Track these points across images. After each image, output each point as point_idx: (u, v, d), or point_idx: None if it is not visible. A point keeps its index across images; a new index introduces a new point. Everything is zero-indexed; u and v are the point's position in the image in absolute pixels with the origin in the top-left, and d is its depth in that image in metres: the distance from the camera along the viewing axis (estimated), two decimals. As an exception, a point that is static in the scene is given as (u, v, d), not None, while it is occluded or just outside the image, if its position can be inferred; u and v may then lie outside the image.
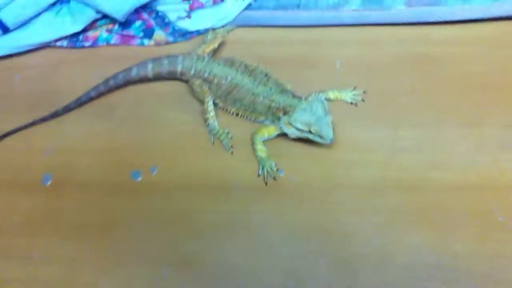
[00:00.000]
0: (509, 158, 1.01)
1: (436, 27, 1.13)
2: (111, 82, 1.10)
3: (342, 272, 0.95)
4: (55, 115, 1.11)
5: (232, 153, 1.06)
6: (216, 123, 1.07)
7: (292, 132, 1.00)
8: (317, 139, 0.98)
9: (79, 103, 1.11)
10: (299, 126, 0.98)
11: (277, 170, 1.04)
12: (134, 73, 1.10)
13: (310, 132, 0.98)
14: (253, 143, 1.04)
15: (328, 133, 0.97)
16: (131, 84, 1.13)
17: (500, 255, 0.94)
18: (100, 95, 1.12)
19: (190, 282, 0.96)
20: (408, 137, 1.04)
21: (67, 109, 1.11)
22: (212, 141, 1.07)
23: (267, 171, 1.03)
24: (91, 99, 1.12)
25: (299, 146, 1.05)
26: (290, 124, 0.99)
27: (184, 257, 0.98)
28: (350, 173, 1.02)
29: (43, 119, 1.11)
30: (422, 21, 1.12)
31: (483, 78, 1.09)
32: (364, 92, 1.09)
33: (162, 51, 1.17)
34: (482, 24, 1.13)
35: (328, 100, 1.06)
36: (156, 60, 1.10)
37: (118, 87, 1.12)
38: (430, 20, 1.11)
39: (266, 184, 1.03)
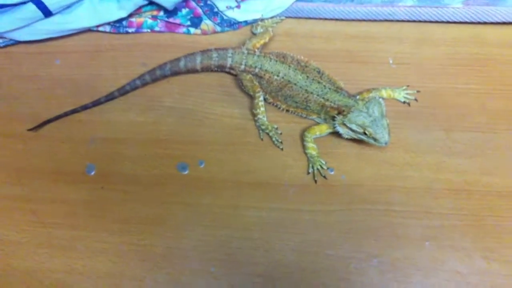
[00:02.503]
0: None
1: (492, 27, 1.11)
2: (158, 73, 1.08)
3: (393, 274, 0.94)
4: (97, 103, 1.09)
5: (282, 149, 1.04)
6: (265, 119, 1.05)
7: (346, 132, 0.99)
8: (371, 141, 0.97)
9: (123, 92, 1.09)
10: (354, 127, 0.96)
11: (327, 168, 1.02)
12: (182, 64, 1.07)
13: (364, 133, 0.96)
14: (304, 140, 1.03)
15: (383, 136, 0.95)
16: (177, 75, 1.11)
17: (551, 262, 0.94)
18: (145, 85, 1.10)
19: (238, 279, 0.96)
20: (461, 140, 1.03)
21: (110, 98, 1.09)
22: (261, 137, 1.06)
23: (317, 169, 1.02)
24: (135, 88, 1.09)
25: (350, 145, 1.04)
26: (344, 124, 0.97)
27: (232, 253, 0.98)
28: (402, 175, 1.01)
29: (85, 107, 1.09)
30: (478, 21, 1.09)
31: (538, 82, 1.08)
32: (418, 92, 1.07)
33: (209, 41, 1.15)
34: (538, 25, 1.12)
35: (381, 97, 1.04)
36: (204, 52, 1.07)
37: (165, 77, 1.10)
38: (487, 20, 1.08)
39: (316, 182, 1.01)
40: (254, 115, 1.06)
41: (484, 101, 1.06)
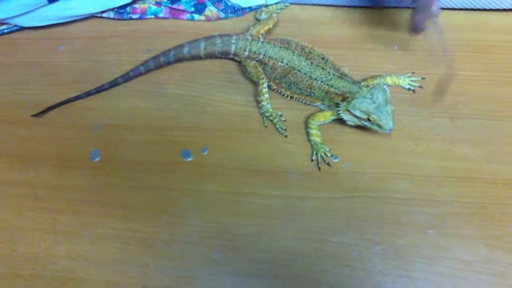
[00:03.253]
0: None
1: (497, 14, 1.11)
2: (162, 59, 1.08)
3: (396, 262, 0.94)
4: (101, 89, 1.09)
5: (286, 136, 1.04)
6: (269, 106, 1.05)
7: (350, 119, 0.98)
8: (375, 128, 0.97)
9: (127, 78, 1.09)
10: (358, 113, 0.96)
11: (331, 156, 1.02)
12: (186, 51, 1.07)
13: (368, 120, 0.96)
14: (308, 127, 1.03)
15: (387, 122, 0.95)
16: (181, 61, 1.10)
17: (555, 251, 0.93)
18: (149, 71, 1.10)
19: (241, 265, 0.96)
20: (466, 127, 1.03)
21: (114, 84, 1.09)
22: (265, 124, 1.05)
23: (321, 156, 1.01)
24: (140, 75, 1.10)
25: (354, 132, 1.03)
26: (348, 111, 0.97)
27: (236, 240, 0.98)
28: (406, 162, 1.01)
29: (89, 93, 1.09)
30: (483, 8, 1.08)
31: (544, 69, 1.07)
32: (423, 79, 1.07)
33: (213, 27, 1.14)
34: (545, 12, 1.11)
35: (385, 84, 1.04)
36: (208, 39, 1.07)
37: (168, 64, 1.10)
38: (493, 7, 1.08)
39: (320, 169, 1.01)
40: (258, 102, 1.06)
41: (489, 88, 1.06)
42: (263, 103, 1.04)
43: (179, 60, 1.09)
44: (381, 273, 0.94)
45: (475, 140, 1.02)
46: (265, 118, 1.06)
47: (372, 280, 0.93)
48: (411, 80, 1.07)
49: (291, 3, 1.15)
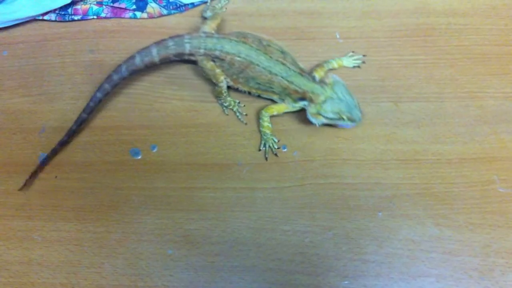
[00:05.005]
0: (508, 129, 1.03)
1: (435, -3, 1.13)
2: (116, 77, 1.02)
3: (348, 246, 0.96)
4: (71, 133, 1.04)
5: (246, 123, 1.06)
6: (228, 96, 1.06)
7: (320, 121, 0.99)
8: (347, 122, 0.98)
9: (90, 110, 1.03)
10: (331, 115, 0.97)
11: (279, 147, 1.03)
12: (138, 61, 1.01)
13: (341, 118, 0.97)
14: (260, 119, 1.03)
15: (357, 115, 0.97)
16: (136, 74, 1.07)
17: (500, 225, 0.96)
18: (106, 95, 1.04)
19: (196, 259, 0.96)
20: (410, 110, 1.05)
21: (80, 122, 1.03)
22: (226, 113, 1.06)
23: (269, 147, 1.02)
24: (99, 101, 1.03)
25: (302, 121, 1.04)
26: (319, 114, 0.98)
27: (189, 235, 0.98)
28: (353, 148, 1.03)
29: (62, 143, 1.04)
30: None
31: (483, 49, 1.10)
32: (364, 56, 1.10)
33: (156, 24, 1.14)
34: (480, -6, 1.14)
35: (333, 69, 1.07)
36: (159, 43, 1.01)
37: (124, 79, 1.03)
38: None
39: (267, 159, 1.02)
40: (217, 95, 1.06)
41: (431, 71, 1.08)
42: (223, 95, 1.05)
43: (133, 72, 1.03)
44: (333, 257, 0.95)
45: (419, 123, 1.04)
46: (224, 108, 1.06)
47: (325, 265, 0.95)
48: (354, 59, 1.09)
49: (233, -2, 1.15)
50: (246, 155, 1.03)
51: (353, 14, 1.13)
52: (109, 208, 1.01)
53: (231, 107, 1.06)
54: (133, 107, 1.08)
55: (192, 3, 1.14)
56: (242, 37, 1.00)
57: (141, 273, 0.96)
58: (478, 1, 1.13)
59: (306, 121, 1.02)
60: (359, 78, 1.08)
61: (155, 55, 1.01)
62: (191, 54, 1.02)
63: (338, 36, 1.11)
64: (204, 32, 1.02)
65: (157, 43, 1.01)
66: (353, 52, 1.10)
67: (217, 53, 1.00)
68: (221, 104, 1.06)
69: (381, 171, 1.00)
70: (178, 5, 1.13)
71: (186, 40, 1.00)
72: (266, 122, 1.03)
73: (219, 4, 1.13)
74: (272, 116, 1.03)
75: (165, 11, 1.13)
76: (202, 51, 1.00)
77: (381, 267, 0.94)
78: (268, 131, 1.02)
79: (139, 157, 1.04)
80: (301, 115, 1.03)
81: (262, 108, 1.04)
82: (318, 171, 1.01)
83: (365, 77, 1.08)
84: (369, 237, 0.96)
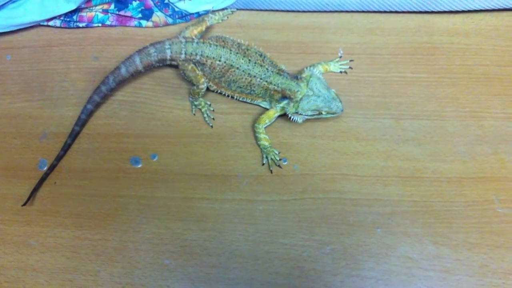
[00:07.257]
0: (508, 150, 1.03)
1: (439, 16, 1.14)
2: (104, 89, 1.04)
3: (345, 261, 0.96)
4: (66, 147, 1.05)
5: (212, 126, 1.07)
6: (201, 97, 1.07)
7: (301, 119, 1.01)
8: (329, 116, 1.00)
9: (82, 123, 1.05)
10: (310, 113, 0.99)
11: (281, 159, 1.03)
12: (123, 71, 1.03)
13: (321, 114, 0.99)
14: (255, 132, 1.04)
15: (337, 106, 0.98)
16: (125, 83, 1.09)
17: (498, 245, 0.96)
18: (97, 106, 1.07)
19: (193, 270, 0.96)
20: (411, 128, 1.05)
21: (75, 136, 1.06)
22: (193, 112, 1.08)
23: (271, 159, 1.02)
24: (91, 113, 1.07)
25: (303, 135, 1.05)
26: (298, 113, 0.99)
27: (187, 245, 0.98)
28: (353, 163, 1.03)
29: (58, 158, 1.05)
30: (426, 10, 1.11)
31: (485, 69, 1.10)
32: (351, 61, 1.11)
33: (161, 33, 1.14)
34: (485, 14, 1.14)
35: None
36: (141, 51, 1.03)
37: (113, 90, 1.06)
38: (435, 9, 1.10)
39: (272, 172, 1.02)
40: (189, 95, 1.07)
41: (433, 89, 1.08)
42: (197, 96, 1.06)
43: (120, 82, 1.05)
44: (331, 273, 0.95)
45: (420, 140, 1.04)
46: (193, 107, 1.07)
47: (322, 280, 0.94)
48: (340, 64, 1.10)
49: (238, 9, 1.15)
50: (246, 167, 1.03)
51: (357, 30, 1.14)
52: (107, 215, 1.00)
53: (200, 107, 1.07)
54: (135, 116, 1.08)
55: (197, 12, 1.14)
56: (221, 41, 1.02)
57: (137, 282, 0.95)
58: (481, 22, 1.14)
59: (307, 135, 1.03)
60: (361, 93, 1.08)
61: (139, 63, 1.03)
62: (172, 59, 1.03)
63: (341, 52, 1.11)
64: (184, 38, 1.03)
65: (139, 51, 1.03)
66: (340, 57, 1.11)
67: (197, 57, 1.01)
68: (192, 103, 1.08)
69: (380, 187, 1.01)
70: (183, 14, 1.14)
71: (167, 46, 1.02)
72: (262, 134, 1.03)
73: (222, 15, 1.14)
74: (267, 126, 1.04)
75: (170, 20, 1.14)
76: (183, 56, 1.02)
77: (378, 283, 0.94)
78: (266, 143, 1.03)
79: (139, 166, 1.04)
80: (302, 128, 1.04)
81: (255, 122, 1.04)
82: (318, 185, 1.01)
83: (367, 93, 1.08)
84: (367, 253, 0.96)
